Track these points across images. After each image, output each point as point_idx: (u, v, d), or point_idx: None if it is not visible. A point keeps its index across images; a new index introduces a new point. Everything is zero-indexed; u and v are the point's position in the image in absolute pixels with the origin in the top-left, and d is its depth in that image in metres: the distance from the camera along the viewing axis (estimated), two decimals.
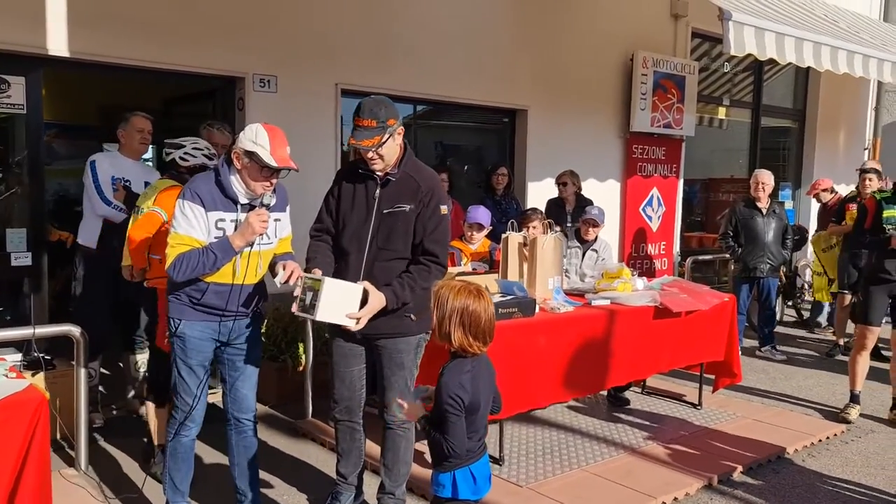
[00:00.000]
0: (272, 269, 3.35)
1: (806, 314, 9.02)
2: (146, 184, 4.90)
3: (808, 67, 10.29)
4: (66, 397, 4.26)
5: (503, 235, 4.73)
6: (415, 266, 3.33)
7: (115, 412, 5.11)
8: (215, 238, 3.14)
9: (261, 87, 5.67)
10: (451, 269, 4.72)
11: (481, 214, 5.04)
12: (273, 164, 3.06)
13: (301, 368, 5.33)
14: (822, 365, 7.04)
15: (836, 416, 5.32)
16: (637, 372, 4.83)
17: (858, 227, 5.22)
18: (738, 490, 4.15)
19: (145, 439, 4.28)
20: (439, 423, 2.61)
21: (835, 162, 11.27)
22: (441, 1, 6.69)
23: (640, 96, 8.09)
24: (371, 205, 3.32)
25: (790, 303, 9.09)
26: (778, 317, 8.00)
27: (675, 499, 3.97)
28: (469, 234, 5.07)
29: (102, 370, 5.18)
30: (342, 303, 3.08)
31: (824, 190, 8.60)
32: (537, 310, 4.33)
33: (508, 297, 4.26)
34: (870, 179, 7.30)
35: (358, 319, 3.12)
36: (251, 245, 3.17)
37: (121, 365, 5.61)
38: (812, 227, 9.23)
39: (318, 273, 3.16)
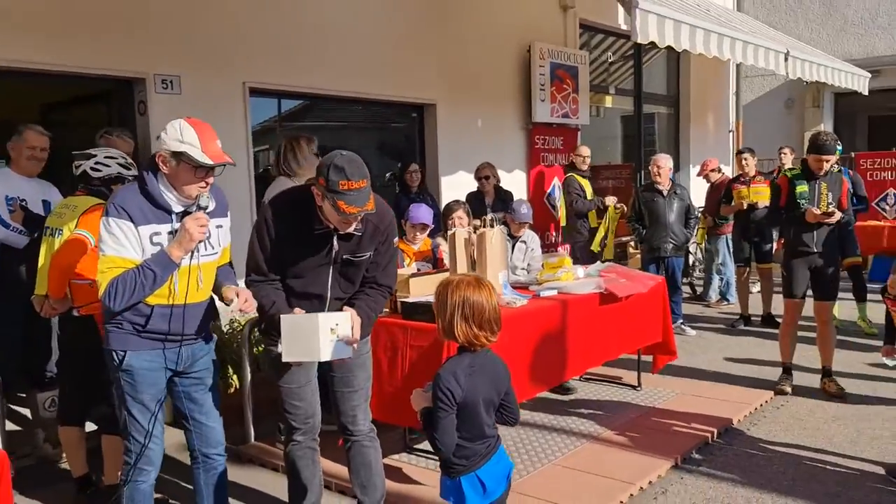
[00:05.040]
0: (217, 291, 3.05)
1: (699, 289, 9.51)
2: (45, 202, 4.40)
3: (678, 57, 10.90)
4: None
5: (449, 233, 4.58)
6: (371, 290, 3.22)
7: (23, 460, 4.51)
8: (152, 255, 2.80)
9: (163, 88, 5.20)
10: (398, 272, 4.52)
11: (424, 214, 4.87)
12: (208, 161, 2.76)
13: (232, 391, 4.96)
14: (731, 336, 7.41)
15: (769, 385, 5.57)
16: (592, 360, 4.85)
17: (774, 205, 5.47)
18: (703, 466, 4.24)
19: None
20: (429, 417, 2.50)
21: (706, 144, 11.98)
22: None
23: (539, 87, 8.18)
24: (329, 256, 3.06)
25: (685, 279, 9.53)
26: None
27: (650, 482, 4.00)
28: (412, 234, 4.89)
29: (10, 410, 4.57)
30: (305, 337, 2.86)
31: (712, 170, 9.11)
32: None
33: None
34: (745, 159, 7.80)
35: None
36: (191, 256, 2.85)
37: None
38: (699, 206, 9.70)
39: (299, 312, 2.96)
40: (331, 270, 3.10)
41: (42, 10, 4.69)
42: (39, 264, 3.69)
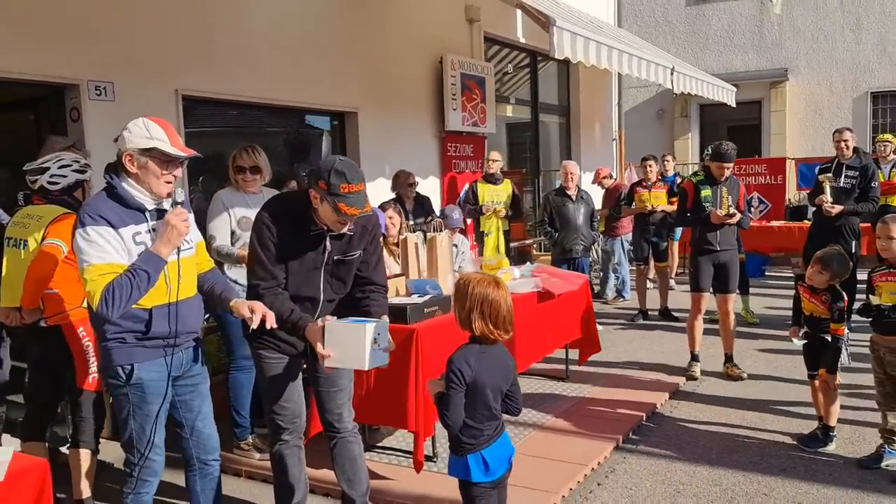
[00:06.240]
0: (225, 304, 3.08)
1: (597, 288, 10.14)
2: None
3: (568, 70, 11.57)
4: None
5: (401, 237, 4.78)
6: (374, 294, 3.38)
7: None
8: (139, 255, 2.81)
9: (97, 94, 5.05)
10: None
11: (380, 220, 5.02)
12: (180, 153, 2.84)
13: None
14: (634, 330, 8.01)
15: (678, 372, 6.13)
16: (534, 355, 5.17)
17: (681, 208, 6.06)
18: (641, 445, 4.68)
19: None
20: (441, 398, 2.73)
21: (594, 152, 12.73)
22: (275, 8, 6.48)
23: (451, 97, 8.49)
24: (321, 256, 3.19)
25: None
26: None
27: (599, 463, 4.38)
28: None
29: None
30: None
31: (604, 177, 9.80)
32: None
33: (427, 297, 4.34)
34: (650, 165, 8.50)
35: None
36: (176, 253, 2.90)
37: None
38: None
39: (331, 320, 3.00)
40: (322, 272, 3.23)
41: None
42: (3, 275, 3.57)
